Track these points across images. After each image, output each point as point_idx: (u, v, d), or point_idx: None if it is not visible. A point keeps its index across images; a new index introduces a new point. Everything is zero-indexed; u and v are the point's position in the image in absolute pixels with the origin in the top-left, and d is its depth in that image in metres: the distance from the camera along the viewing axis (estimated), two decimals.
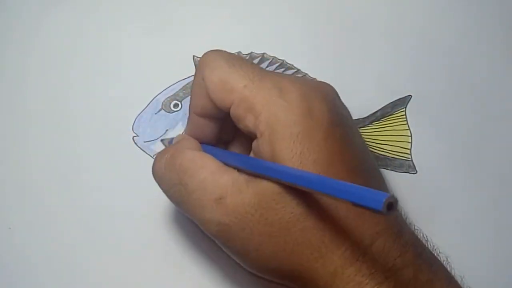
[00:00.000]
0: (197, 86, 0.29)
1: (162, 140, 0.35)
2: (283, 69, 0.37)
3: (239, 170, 0.28)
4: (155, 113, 0.36)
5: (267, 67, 0.37)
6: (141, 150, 0.35)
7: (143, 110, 0.36)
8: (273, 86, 0.27)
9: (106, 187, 0.34)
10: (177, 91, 0.36)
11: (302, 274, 0.26)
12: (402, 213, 0.28)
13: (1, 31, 0.37)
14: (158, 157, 0.30)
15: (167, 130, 0.35)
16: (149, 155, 0.35)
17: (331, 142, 0.26)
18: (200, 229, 0.34)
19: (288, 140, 0.26)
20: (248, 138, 0.29)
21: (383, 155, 0.36)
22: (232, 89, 0.27)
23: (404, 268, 0.26)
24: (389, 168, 0.36)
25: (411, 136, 0.37)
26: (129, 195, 0.34)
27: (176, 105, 0.36)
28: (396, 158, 0.36)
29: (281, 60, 0.37)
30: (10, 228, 0.34)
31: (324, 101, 0.27)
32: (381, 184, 0.29)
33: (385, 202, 0.19)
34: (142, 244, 0.34)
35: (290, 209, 0.25)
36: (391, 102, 0.37)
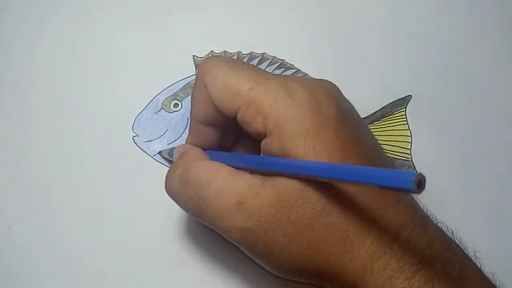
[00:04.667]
0: (198, 94, 0.29)
1: (160, 152, 0.35)
2: (283, 69, 0.37)
3: (251, 172, 0.27)
4: (155, 113, 0.36)
5: (267, 67, 0.37)
6: (140, 150, 0.35)
7: (143, 110, 0.36)
8: (279, 86, 0.27)
9: (106, 186, 0.34)
10: (177, 91, 0.36)
11: (329, 271, 0.26)
12: (422, 206, 0.28)
13: (3, 32, 0.37)
14: (169, 174, 0.29)
15: (166, 130, 0.35)
16: (149, 155, 0.35)
17: (343, 136, 0.26)
18: (203, 230, 0.34)
19: (299, 137, 0.25)
20: (250, 142, 0.29)
21: None
22: (237, 94, 0.27)
23: (433, 260, 0.25)
24: None
25: (411, 136, 0.37)
26: (128, 195, 0.34)
27: (176, 105, 0.36)
28: (396, 158, 0.36)
29: (281, 60, 0.37)
30: (10, 228, 0.34)
31: (330, 97, 0.27)
32: None
33: (415, 180, 0.19)
34: (141, 245, 0.34)
35: (310, 205, 0.25)
36: (391, 102, 0.37)
